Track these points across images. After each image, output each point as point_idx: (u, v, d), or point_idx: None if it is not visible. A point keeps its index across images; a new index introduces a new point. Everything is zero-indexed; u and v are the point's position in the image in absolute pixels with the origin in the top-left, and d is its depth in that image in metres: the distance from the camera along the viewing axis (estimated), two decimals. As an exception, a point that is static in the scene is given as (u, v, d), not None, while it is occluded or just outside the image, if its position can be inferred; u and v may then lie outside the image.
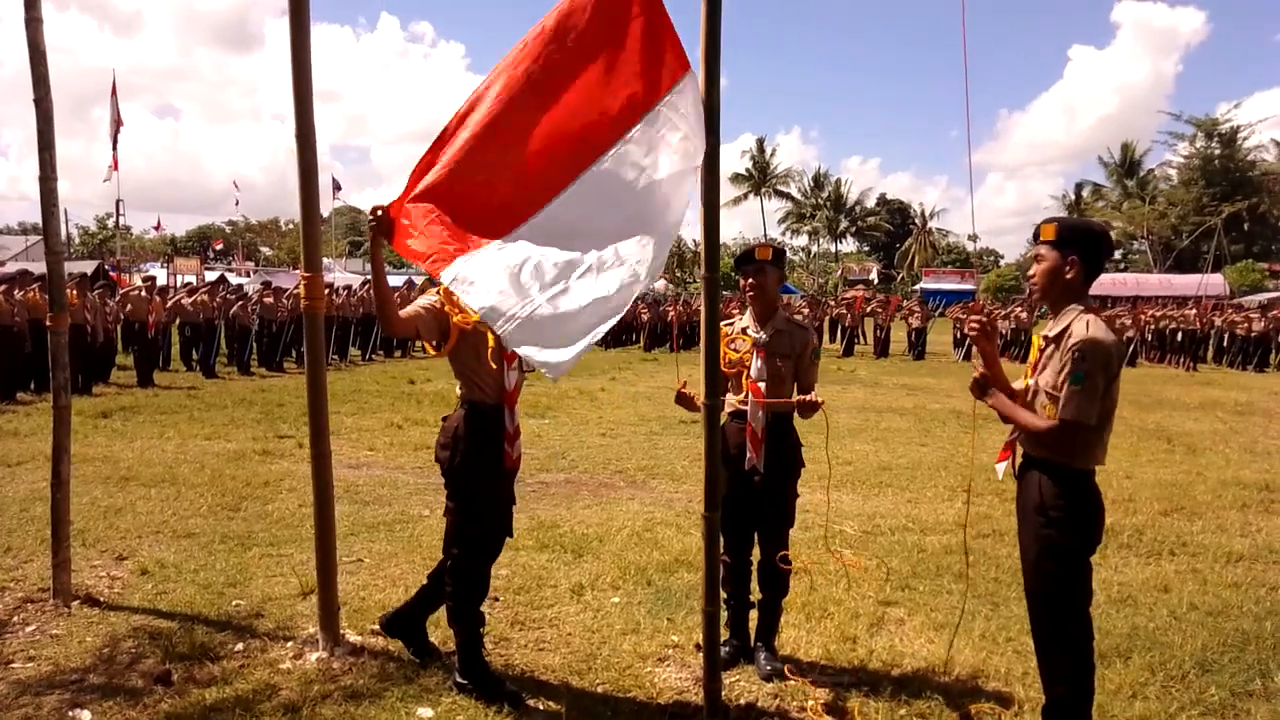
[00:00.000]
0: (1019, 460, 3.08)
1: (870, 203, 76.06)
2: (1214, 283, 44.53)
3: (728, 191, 77.13)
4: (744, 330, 3.84)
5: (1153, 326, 23.33)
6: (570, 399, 12.67)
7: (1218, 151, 61.71)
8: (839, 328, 25.07)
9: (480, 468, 3.43)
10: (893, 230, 74.03)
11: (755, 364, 3.75)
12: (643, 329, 24.76)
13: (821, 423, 3.74)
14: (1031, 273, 3.06)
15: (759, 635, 3.88)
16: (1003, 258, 73.52)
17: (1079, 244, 2.92)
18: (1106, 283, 51.20)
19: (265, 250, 69.46)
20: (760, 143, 76.35)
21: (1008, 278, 57.08)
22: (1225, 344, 22.63)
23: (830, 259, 74.41)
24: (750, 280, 3.80)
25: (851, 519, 6.33)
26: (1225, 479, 7.99)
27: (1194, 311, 23.07)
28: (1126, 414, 12.47)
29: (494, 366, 3.40)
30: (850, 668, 3.85)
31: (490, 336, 3.26)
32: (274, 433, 9.45)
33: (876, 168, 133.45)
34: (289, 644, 3.95)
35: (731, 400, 3.79)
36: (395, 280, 35.69)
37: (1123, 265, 64.42)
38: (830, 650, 4.02)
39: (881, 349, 23.32)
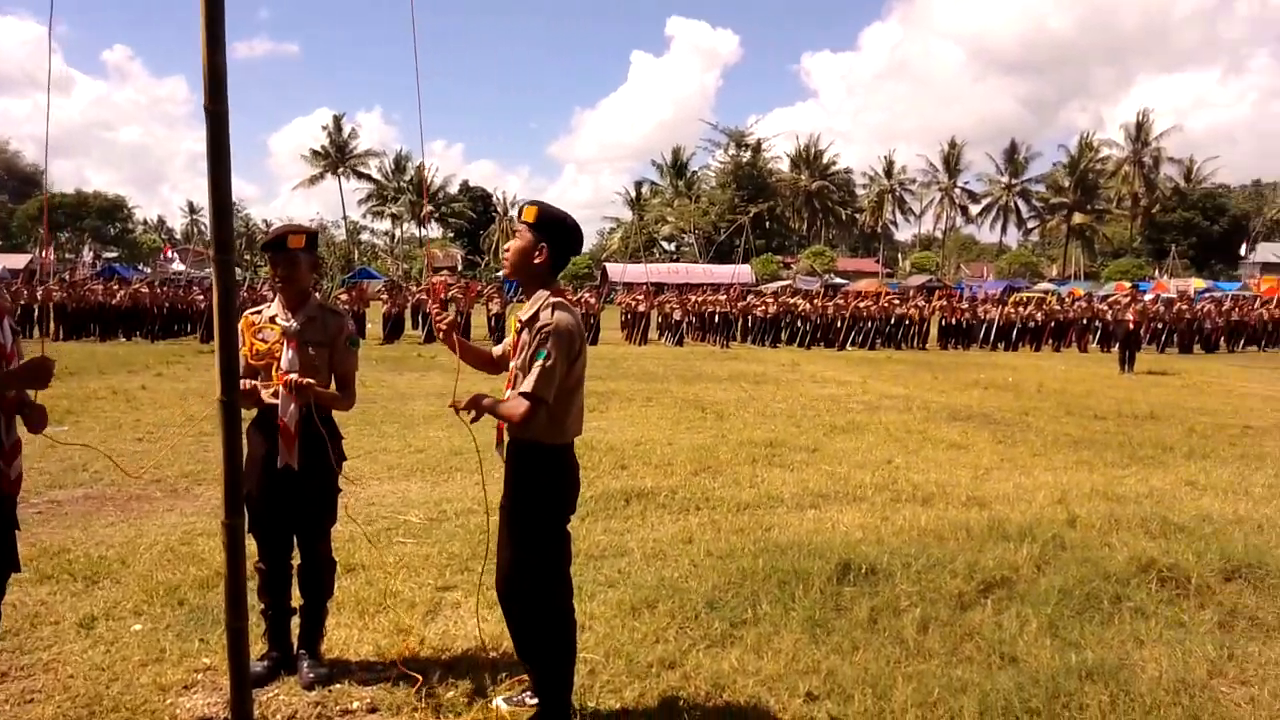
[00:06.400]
0: (506, 438, 3.23)
1: (454, 189, 76.73)
2: (744, 272, 52.46)
3: (303, 169, 72.61)
4: (272, 319, 3.56)
5: (695, 310, 26.70)
6: (100, 400, 10.92)
7: (746, 159, 72.83)
8: (420, 314, 24.88)
9: None
10: (476, 217, 75.45)
11: (286, 354, 3.50)
12: (198, 318, 22.24)
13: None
14: (506, 248, 3.21)
15: (302, 642, 3.67)
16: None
17: (551, 231, 3.11)
18: (664, 271, 57.69)
19: None
20: (338, 120, 73.13)
21: (581, 266, 61.39)
22: (749, 324, 26.68)
23: (415, 244, 73.69)
24: (280, 270, 3.54)
25: (418, 507, 6.28)
26: (742, 439, 9.36)
27: (725, 296, 26.87)
28: (673, 388, 14.09)
29: None
30: (401, 659, 3.79)
31: None
32: None
33: (460, 153, 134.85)
34: None
35: (263, 394, 3.50)
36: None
37: (675, 256, 72.94)
38: (382, 645, 3.93)
39: (462, 334, 23.57)
